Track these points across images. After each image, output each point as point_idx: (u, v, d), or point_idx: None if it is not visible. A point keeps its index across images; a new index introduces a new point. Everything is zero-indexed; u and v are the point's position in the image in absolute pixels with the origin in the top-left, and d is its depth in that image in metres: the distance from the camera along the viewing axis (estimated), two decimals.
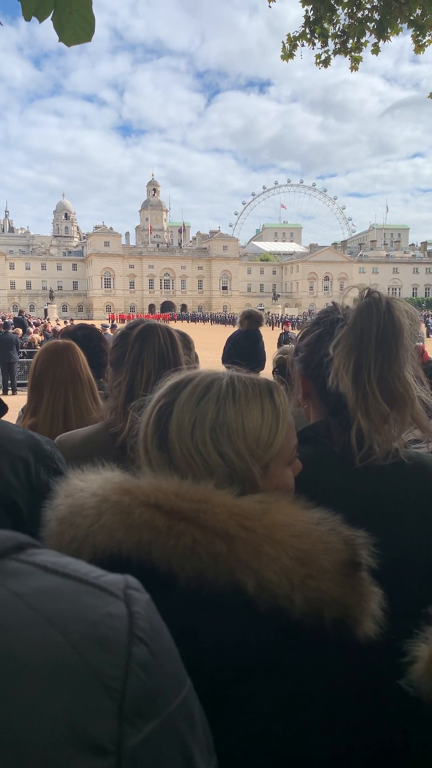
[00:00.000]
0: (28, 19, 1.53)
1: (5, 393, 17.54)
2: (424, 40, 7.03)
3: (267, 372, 3.57)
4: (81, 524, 0.91)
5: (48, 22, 1.57)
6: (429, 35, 6.94)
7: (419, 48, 7.12)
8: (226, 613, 0.85)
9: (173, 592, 0.84)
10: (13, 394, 17.13)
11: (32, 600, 0.54)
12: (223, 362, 3.44)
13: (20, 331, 21.66)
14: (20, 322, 27.61)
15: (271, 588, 0.85)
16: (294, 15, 7.38)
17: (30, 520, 1.46)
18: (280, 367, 3.91)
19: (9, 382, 17.83)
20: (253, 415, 1.01)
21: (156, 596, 0.73)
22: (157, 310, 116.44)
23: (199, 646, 0.82)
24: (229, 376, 1.05)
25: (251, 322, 3.31)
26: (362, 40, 7.13)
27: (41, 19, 1.55)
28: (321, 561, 0.89)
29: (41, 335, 24.00)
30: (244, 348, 3.39)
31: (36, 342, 21.07)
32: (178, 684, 0.61)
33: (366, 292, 1.30)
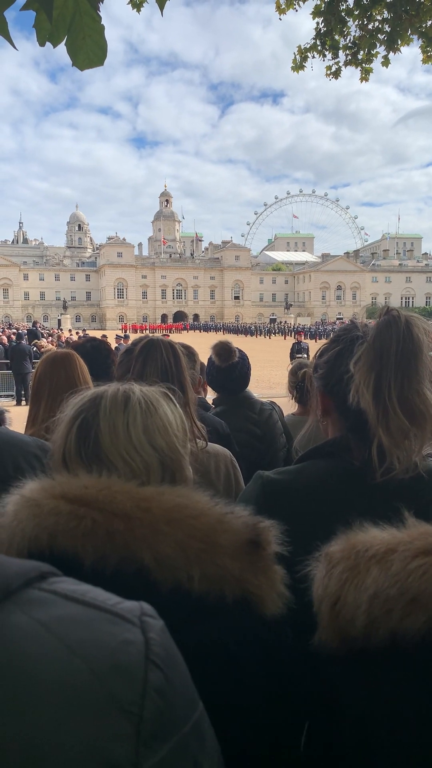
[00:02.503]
0: (42, 44, 1.57)
1: (18, 403, 17.66)
2: None
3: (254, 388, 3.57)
4: (4, 525, 0.97)
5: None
6: None
7: (428, 58, 7.14)
8: (128, 593, 0.89)
9: (80, 576, 0.88)
10: (27, 404, 17.23)
11: (55, 628, 0.57)
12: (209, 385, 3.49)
13: (44, 343, 21.72)
14: (33, 333, 27.80)
15: (168, 562, 0.90)
16: (307, 27, 7.37)
17: None
18: (304, 381, 3.89)
19: (23, 392, 17.95)
20: (167, 412, 1.14)
21: None
22: (170, 320, 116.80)
23: None
24: (137, 386, 1.17)
25: (222, 360, 3.33)
26: (373, 52, 7.17)
27: (55, 45, 1.59)
28: (217, 538, 0.94)
29: (55, 345, 24.13)
30: (227, 382, 3.42)
31: (42, 349, 21.01)
32: (190, 706, 0.64)
33: (385, 309, 1.32)
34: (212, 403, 3.51)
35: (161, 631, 0.63)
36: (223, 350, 3.37)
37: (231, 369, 3.37)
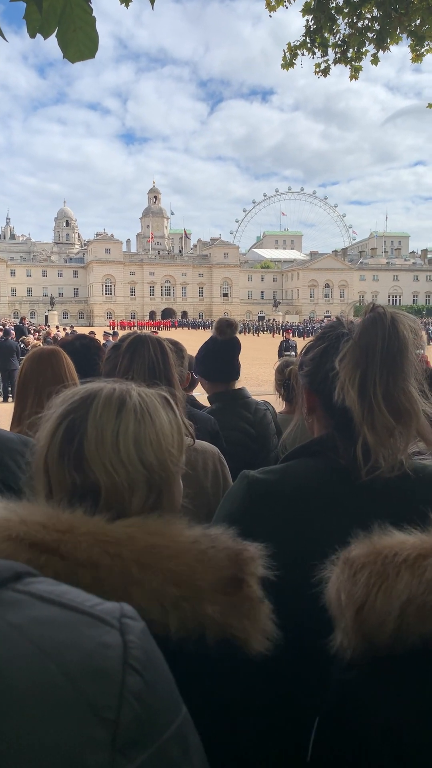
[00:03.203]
0: (32, 36, 1.55)
1: (5, 400, 17.55)
2: (422, 50, 7.09)
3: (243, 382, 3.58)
4: None
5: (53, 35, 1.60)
6: (427, 45, 7.00)
7: (417, 57, 7.18)
8: None
9: None
10: (13, 401, 17.13)
11: (28, 630, 0.55)
12: (198, 374, 3.45)
13: (31, 339, 21.56)
14: (20, 329, 27.63)
15: (141, 614, 0.81)
16: (297, 24, 7.36)
17: None
18: (291, 378, 3.90)
19: (9, 389, 17.84)
20: (165, 424, 1.03)
21: None
22: (158, 317, 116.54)
23: None
24: (136, 389, 1.06)
25: (232, 330, 3.35)
26: (362, 50, 7.19)
27: (46, 36, 1.58)
28: (197, 581, 0.86)
29: (42, 342, 23.95)
30: (225, 360, 3.40)
31: (29, 345, 20.74)
32: (172, 712, 0.61)
33: (371, 306, 1.31)
34: (208, 401, 3.49)
35: (141, 633, 0.61)
36: (233, 320, 3.36)
37: (229, 343, 3.36)
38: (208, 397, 3.47)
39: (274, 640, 0.90)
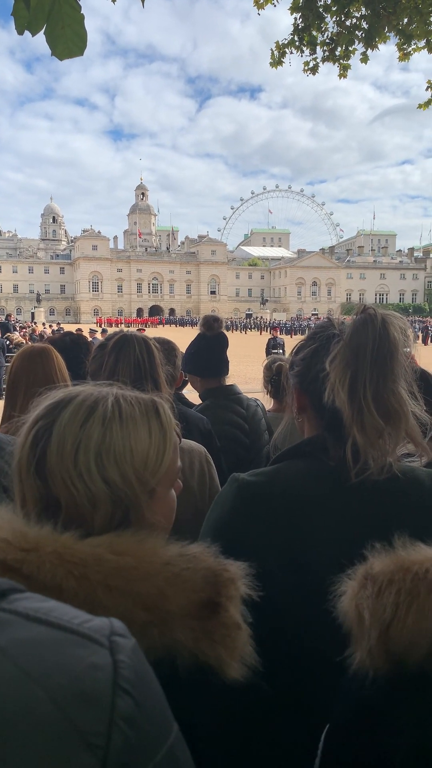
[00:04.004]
0: (20, 33, 1.54)
1: None
2: (410, 49, 7.11)
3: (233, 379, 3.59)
4: None
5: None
6: (414, 44, 7.02)
7: (404, 56, 7.19)
8: None
9: None
10: (0, 398, 16.99)
11: (12, 653, 0.52)
12: (189, 371, 3.45)
13: (16, 336, 21.41)
14: (5, 326, 27.47)
15: None
16: (286, 22, 7.40)
17: None
18: (278, 375, 3.92)
19: None
20: (140, 437, 0.95)
21: None
22: (145, 314, 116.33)
23: None
24: (114, 395, 0.99)
25: (219, 325, 3.40)
26: (350, 48, 7.19)
27: (34, 33, 1.56)
28: (168, 605, 0.81)
29: (28, 339, 23.81)
30: (217, 356, 3.42)
31: (14, 342, 20.43)
32: (164, 732, 0.59)
33: (362, 308, 1.31)
34: (199, 398, 3.49)
35: (132, 651, 0.59)
36: (209, 320, 3.38)
37: (219, 338, 3.37)
38: (200, 394, 3.47)
39: (253, 666, 0.84)
